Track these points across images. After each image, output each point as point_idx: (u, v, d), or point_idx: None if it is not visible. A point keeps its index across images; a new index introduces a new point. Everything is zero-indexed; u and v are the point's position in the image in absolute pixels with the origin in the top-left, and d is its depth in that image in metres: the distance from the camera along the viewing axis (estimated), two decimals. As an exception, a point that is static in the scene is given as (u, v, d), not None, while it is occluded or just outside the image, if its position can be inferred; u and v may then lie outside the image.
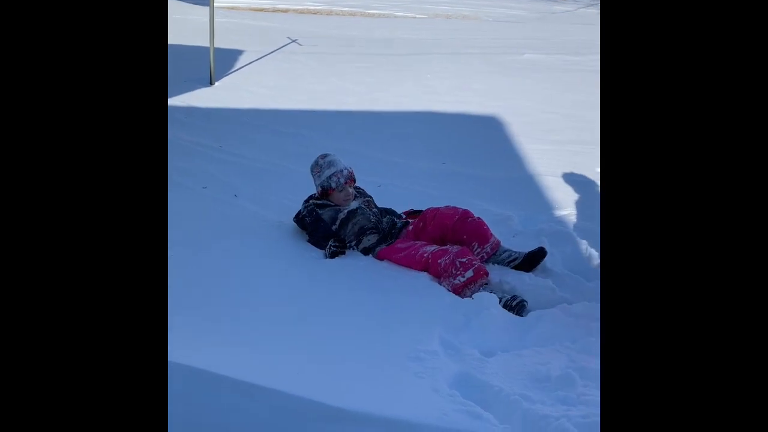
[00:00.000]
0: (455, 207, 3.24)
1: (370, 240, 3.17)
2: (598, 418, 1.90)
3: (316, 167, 3.38)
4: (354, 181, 3.38)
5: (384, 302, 2.68)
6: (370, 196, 3.45)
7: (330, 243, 3.15)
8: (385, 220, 3.30)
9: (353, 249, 3.18)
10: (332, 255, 3.11)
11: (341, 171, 3.31)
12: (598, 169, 4.48)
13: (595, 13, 14.36)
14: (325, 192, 3.34)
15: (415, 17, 12.98)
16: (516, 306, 2.71)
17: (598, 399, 2.05)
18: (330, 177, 3.30)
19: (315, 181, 3.39)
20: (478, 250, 3.06)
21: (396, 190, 3.99)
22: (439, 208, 3.26)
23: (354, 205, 3.30)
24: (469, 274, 2.82)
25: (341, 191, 3.30)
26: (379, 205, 3.43)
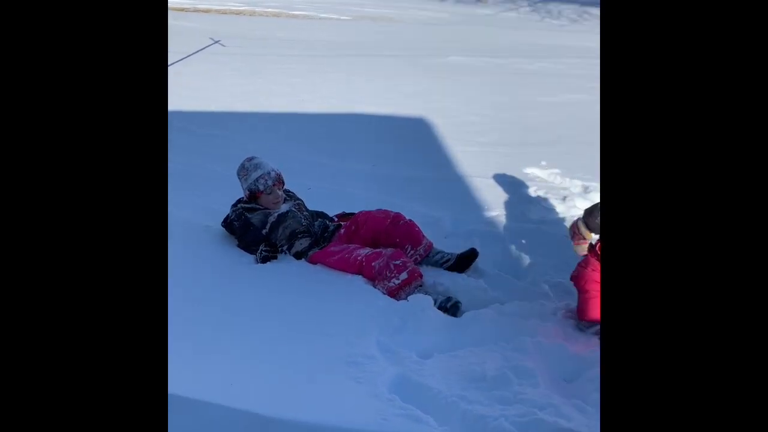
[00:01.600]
0: (386, 210, 3.24)
1: (302, 244, 3.13)
2: (534, 417, 1.94)
3: (243, 170, 3.31)
4: (282, 183, 3.33)
5: (318, 307, 2.64)
6: (301, 199, 3.41)
7: (261, 248, 3.08)
8: (316, 223, 3.27)
9: (285, 253, 3.13)
10: (263, 260, 3.05)
11: (269, 173, 3.25)
12: (526, 170, 4.59)
13: (515, 16, 14.74)
14: (253, 195, 3.27)
15: (339, 19, 12.98)
16: (450, 307, 2.73)
17: (533, 397, 2.09)
18: (257, 180, 3.24)
19: (242, 184, 3.31)
20: (411, 252, 3.07)
21: (326, 193, 3.96)
22: (370, 211, 3.25)
23: (284, 208, 3.25)
24: (404, 276, 2.82)
25: (270, 194, 3.24)
26: (310, 208, 3.39)
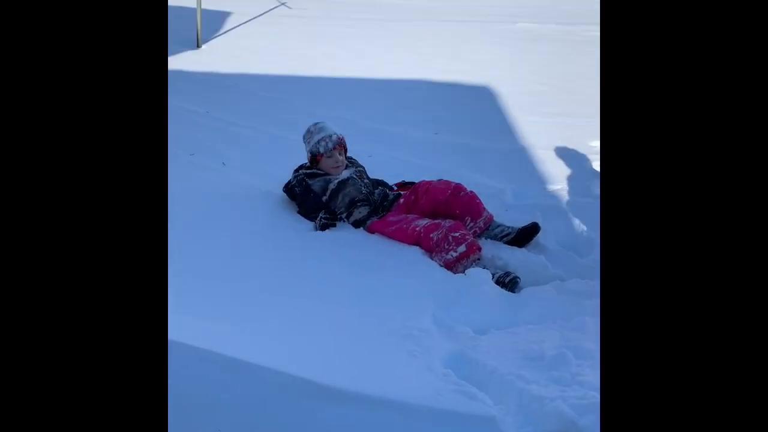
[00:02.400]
0: (448, 181, 3.18)
1: (361, 212, 3.11)
2: (593, 400, 1.89)
3: (308, 134, 3.33)
4: (344, 148, 3.32)
5: (375, 277, 2.63)
6: (362, 167, 3.39)
7: (320, 215, 3.09)
8: (376, 192, 3.24)
9: (344, 221, 3.13)
10: (322, 227, 3.06)
11: (330, 136, 3.25)
12: (592, 143, 4.44)
13: (588, -18, 14.18)
14: (314, 158, 3.28)
15: (406, -18, 12.75)
16: (509, 282, 2.67)
17: (592, 380, 2.03)
18: (318, 142, 3.24)
19: (305, 148, 3.33)
20: (471, 224, 3.02)
21: (387, 161, 3.92)
22: (431, 181, 3.20)
23: (345, 174, 3.24)
24: (462, 249, 2.78)
25: (330, 157, 3.24)
26: (371, 176, 3.37)
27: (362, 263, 2.76)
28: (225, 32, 7.25)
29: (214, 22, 7.38)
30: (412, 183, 3.33)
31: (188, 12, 7.00)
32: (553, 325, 2.40)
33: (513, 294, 2.63)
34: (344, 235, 3.01)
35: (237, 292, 2.46)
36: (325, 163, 3.25)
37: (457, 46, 7.32)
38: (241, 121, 4.63)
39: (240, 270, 2.64)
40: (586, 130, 4.67)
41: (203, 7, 6.66)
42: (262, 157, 3.97)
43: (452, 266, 2.76)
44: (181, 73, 5.67)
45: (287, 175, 3.35)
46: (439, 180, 3.20)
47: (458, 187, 3.12)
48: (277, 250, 2.85)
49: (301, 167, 3.33)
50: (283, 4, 9.01)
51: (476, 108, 5.28)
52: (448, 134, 4.56)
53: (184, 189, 3.34)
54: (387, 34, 7.68)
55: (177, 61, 5.98)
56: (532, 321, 2.43)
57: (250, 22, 7.83)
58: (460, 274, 2.69)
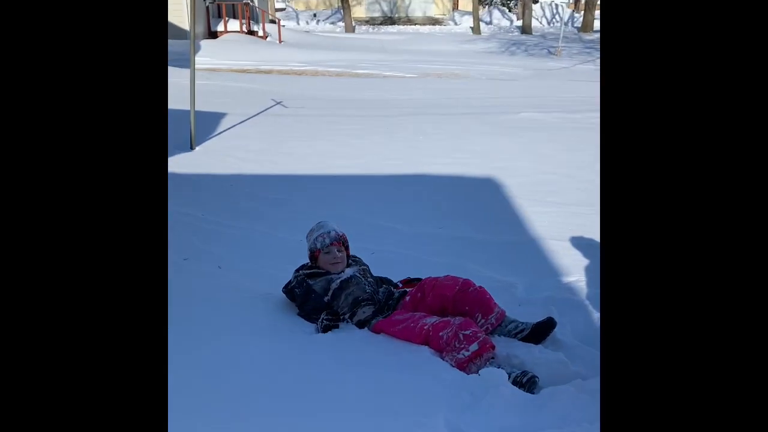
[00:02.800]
0: (455, 276, 3.21)
1: (365, 312, 3.12)
2: None
3: (309, 233, 3.42)
4: (343, 244, 3.36)
5: (382, 381, 2.60)
6: (366, 265, 3.43)
7: (322, 316, 3.09)
8: (381, 290, 3.26)
9: (347, 321, 3.13)
10: (325, 329, 3.05)
11: (328, 232, 3.32)
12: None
13: (591, 69, 14.73)
14: (312, 255, 3.33)
15: (404, 77, 13.26)
16: (527, 383, 2.64)
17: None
18: (317, 238, 3.32)
19: (307, 247, 3.39)
20: (482, 321, 3.02)
21: (391, 257, 3.97)
22: (437, 277, 3.23)
23: (348, 273, 3.27)
24: (474, 347, 2.76)
25: (327, 253, 3.28)
26: (374, 274, 3.40)
27: (368, 365, 2.73)
28: (219, 133, 7.50)
29: (208, 124, 7.65)
30: (418, 279, 3.35)
31: (181, 114, 7.26)
32: (577, 428, 2.35)
33: (532, 395, 2.59)
34: (348, 336, 3.00)
35: (233, 399, 2.43)
36: (323, 259, 3.30)
37: (458, 137, 7.54)
38: (238, 223, 4.71)
39: (236, 376, 2.61)
40: (596, 218, 4.73)
41: (197, 108, 6.91)
42: (261, 259, 4.01)
43: (465, 366, 2.73)
44: (174, 176, 5.82)
45: (287, 277, 3.38)
46: (446, 276, 3.22)
47: (466, 283, 3.13)
48: (276, 355, 2.83)
49: (301, 267, 3.37)
50: (278, 103, 9.35)
51: (481, 200, 5.38)
52: (452, 228, 4.63)
53: (178, 295, 3.35)
54: (385, 130, 7.92)
55: (170, 164, 6.15)
56: (553, 425, 2.38)
57: (245, 122, 8.10)
58: (474, 375, 2.66)
